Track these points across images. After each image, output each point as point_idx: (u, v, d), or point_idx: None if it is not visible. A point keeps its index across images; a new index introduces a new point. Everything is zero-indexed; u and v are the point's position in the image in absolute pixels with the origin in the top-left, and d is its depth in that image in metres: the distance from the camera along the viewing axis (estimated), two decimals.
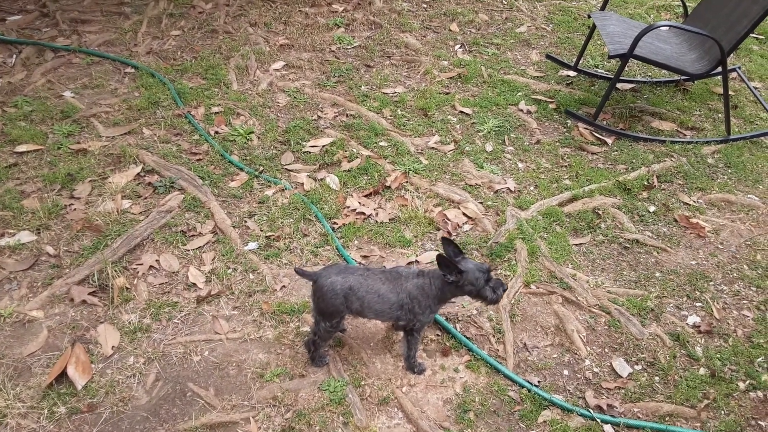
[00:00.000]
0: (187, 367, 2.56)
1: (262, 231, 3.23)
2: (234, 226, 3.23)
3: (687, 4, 4.67)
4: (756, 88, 4.61)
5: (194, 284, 2.89)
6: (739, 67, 4.72)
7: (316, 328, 2.45)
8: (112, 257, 2.96)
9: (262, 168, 3.67)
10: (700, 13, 4.27)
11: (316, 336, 2.47)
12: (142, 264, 2.97)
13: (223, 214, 3.28)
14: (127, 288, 2.85)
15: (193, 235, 3.16)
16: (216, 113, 4.09)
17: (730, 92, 4.50)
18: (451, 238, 2.42)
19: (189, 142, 3.83)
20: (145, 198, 3.36)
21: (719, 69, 3.87)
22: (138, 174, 3.50)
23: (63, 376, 2.46)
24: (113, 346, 2.61)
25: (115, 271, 2.89)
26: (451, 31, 5.30)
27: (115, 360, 2.57)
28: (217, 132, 3.93)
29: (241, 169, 3.63)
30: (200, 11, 5.32)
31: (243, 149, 3.81)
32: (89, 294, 2.82)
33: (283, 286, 2.92)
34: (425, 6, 5.71)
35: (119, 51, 4.70)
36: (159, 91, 4.21)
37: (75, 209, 3.26)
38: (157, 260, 3.00)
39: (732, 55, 4.82)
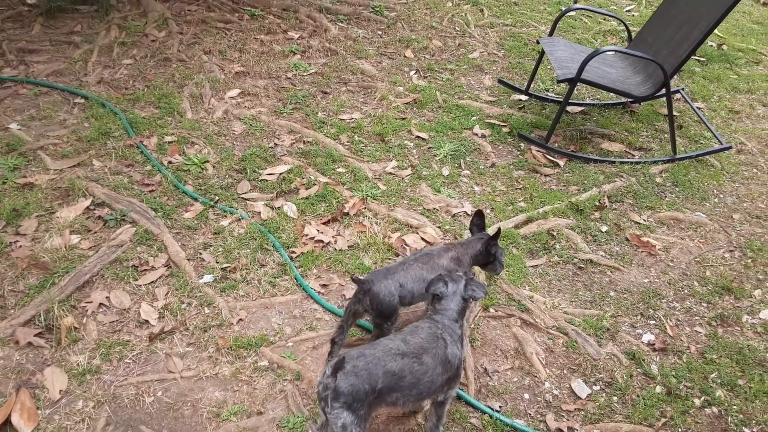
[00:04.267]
0: (140, 409, 2.46)
1: (218, 263, 3.16)
2: (188, 259, 3.16)
3: (631, 28, 4.85)
4: (699, 108, 4.80)
5: (146, 321, 2.81)
6: (683, 89, 4.92)
7: (380, 332, 2.56)
8: (59, 296, 2.85)
9: (217, 197, 3.61)
10: (644, 38, 4.44)
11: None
12: (91, 302, 2.86)
13: (177, 247, 3.21)
14: (75, 327, 2.74)
15: (146, 270, 3.07)
16: (169, 143, 4.02)
17: (676, 112, 4.67)
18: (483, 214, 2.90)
19: (141, 173, 3.74)
20: (95, 232, 3.26)
21: (663, 91, 4.02)
22: (87, 207, 3.40)
23: (7, 424, 2.34)
24: (61, 390, 2.49)
25: (63, 310, 2.78)
26: (406, 57, 5.37)
27: (63, 405, 2.45)
28: (170, 162, 3.86)
29: (196, 200, 3.57)
30: (153, 39, 5.26)
31: (198, 179, 3.75)
32: (35, 335, 2.70)
33: (240, 319, 2.86)
34: (380, 33, 5.78)
35: (69, 81, 4.59)
36: (110, 121, 4.12)
37: (20, 246, 3.13)
38: (107, 297, 2.90)
39: (675, 77, 5.01)
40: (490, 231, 2.82)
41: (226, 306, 2.91)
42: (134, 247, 3.19)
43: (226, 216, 3.48)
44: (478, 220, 2.86)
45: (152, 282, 3.01)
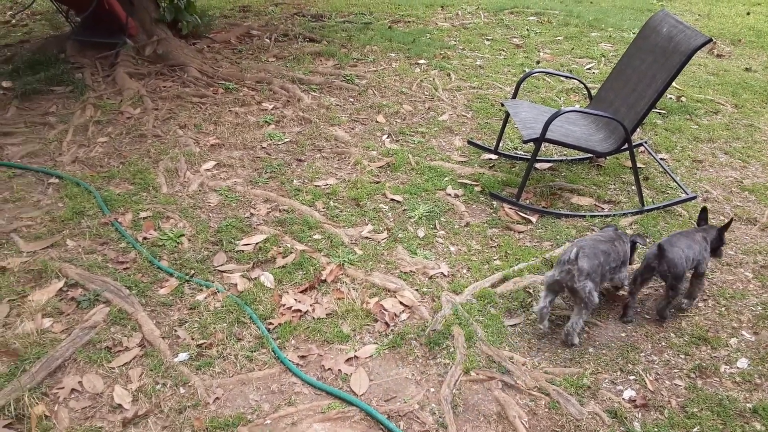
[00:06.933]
0: None
1: (193, 339, 3.12)
2: (163, 337, 3.11)
3: (592, 86, 5.05)
4: (663, 159, 4.96)
5: (120, 405, 2.74)
6: (646, 141, 5.09)
7: (673, 293, 3.25)
8: (30, 383, 2.78)
9: (193, 271, 3.60)
10: (603, 96, 4.62)
11: (671, 298, 3.26)
12: (63, 388, 2.79)
13: (152, 325, 3.17)
14: (46, 416, 2.66)
15: (119, 351, 3.02)
16: (144, 218, 4.03)
17: (641, 165, 4.81)
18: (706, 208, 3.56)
19: (115, 250, 3.73)
20: (68, 314, 3.22)
21: (626, 146, 4.15)
22: (60, 289, 3.36)
23: None
24: None
25: (33, 398, 2.71)
26: (377, 122, 5.51)
27: None
28: (145, 238, 3.86)
29: (171, 275, 3.55)
30: (128, 116, 5.35)
31: (173, 253, 3.74)
32: (4, 427, 2.61)
33: (217, 398, 2.80)
34: (352, 100, 5.95)
35: (43, 161, 4.62)
36: (84, 200, 4.13)
37: None
38: (79, 382, 2.83)
39: (639, 129, 5.20)
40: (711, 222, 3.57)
41: (201, 384, 2.85)
42: (108, 327, 3.15)
43: (202, 290, 3.46)
44: (704, 215, 3.52)
45: (126, 363, 2.95)
